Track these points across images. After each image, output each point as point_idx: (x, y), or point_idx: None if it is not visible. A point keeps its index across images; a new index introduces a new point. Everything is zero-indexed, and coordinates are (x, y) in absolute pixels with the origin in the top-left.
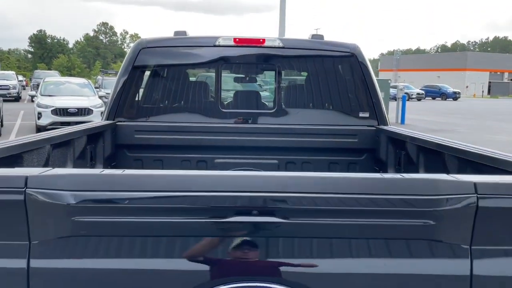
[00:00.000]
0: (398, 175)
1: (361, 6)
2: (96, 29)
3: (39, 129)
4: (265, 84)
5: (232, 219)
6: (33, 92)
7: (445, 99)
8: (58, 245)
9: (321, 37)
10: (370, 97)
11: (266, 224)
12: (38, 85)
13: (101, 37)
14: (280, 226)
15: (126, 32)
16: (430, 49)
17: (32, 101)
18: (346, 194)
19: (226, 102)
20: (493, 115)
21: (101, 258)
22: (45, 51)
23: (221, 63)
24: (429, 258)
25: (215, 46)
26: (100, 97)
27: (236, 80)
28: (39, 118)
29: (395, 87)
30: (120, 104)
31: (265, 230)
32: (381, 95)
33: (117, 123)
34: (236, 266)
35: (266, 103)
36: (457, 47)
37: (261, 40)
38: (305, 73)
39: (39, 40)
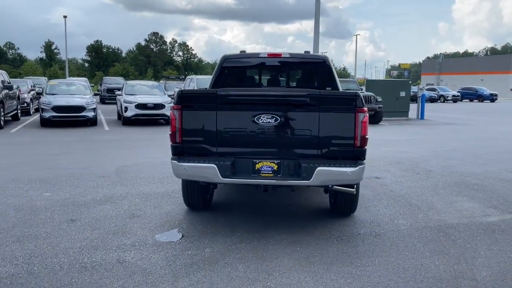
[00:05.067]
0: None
1: (409, 11)
2: (147, 39)
3: (125, 120)
4: (282, 76)
5: (268, 103)
6: (119, 92)
7: (482, 101)
8: (223, 107)
9: (309, 52)
10: (331, 82)
11: (276, 99)
12: (107, 89)
13: (151, 46)
14: (279, 102)
15: (175, 41)
16: (479, 52)
17: (104, 103)
18: (300, 92)
19: (264, 83)
20: None
21: (234, 111)
22: (101, 60)
23: (261, 65)
24: (319, 111)
25: (258, 57)
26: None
27: (269, 73)
28: (125, 111)
29: (434, 89)
30: (216, 85)
31: (275, 102)
32: (339, 82)
33: None
34: (266, 111)
35: (282, 84)
36: (508, 50)
37: (280, 54)
38: (300, 70)
39: (95, 50)
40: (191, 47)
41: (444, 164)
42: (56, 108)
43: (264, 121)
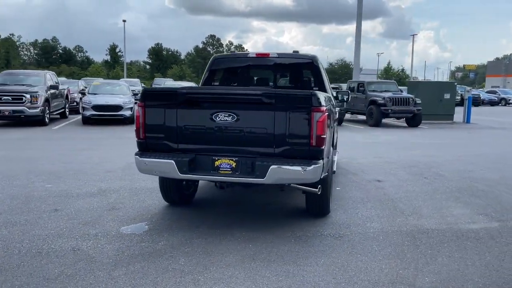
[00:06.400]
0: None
1: (478, 10)
2: (205, 41)
3: None
4: (270, 75)
5: (224, 101)
6: None
7: None
8: (183, 105)
9: (298, 51)
10: (319, 81)
11: (232, 97)
12: None
13: (209, 49)
14: (235, 101)
15: (231, 43)
16: None
17: None
18: (255, 91)
19: (254, 82)
20: None
21: (193, 109)
22: (161, 62)
23: (250, 65)
24: (274, 110)
25: (247, 57)
26: None
27: (257, 73)
28: None
29: (494, 92)
30: (206, 84)
31: (232, 100)
32: (328, 82)
33: None
34: (223, 109)
35: (270, 83)
36: None
37: (268, 54)
38: (288, 70)
39: (156, 52)
40: (246, 49)
41: (461, 169)
42: (96, 107)
43: (222, 119)
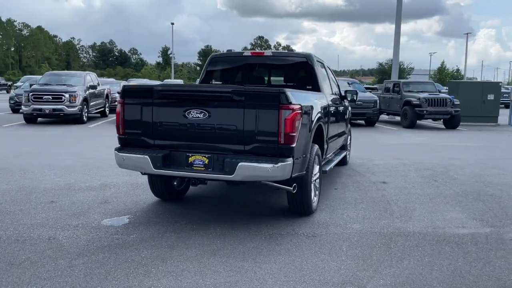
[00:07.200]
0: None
1: None
2: (253, 43)
3: None
4: (265, 74)
5: (196, 98)
6: None
7: None
8: (158, 102)
9: (293, 50)
10: (313, 80)
11: (202, 94)
12: None
13: (257, 50)
14: (206, 98)
15: (279, 44)
16: None
17: None
18: (225, 88)
19: (249, 80)
20: None
21: (167, 106)
22: None
23: (246, 64)
24: (244, 107)
25: (242, 56)
26: None
27: (253, 72)
28: None
29: None
30: (204, 82)
31: (202, 97)
32: (331, 80)
33: None
34: (194, 106)
35: (265, 81)
36: None
37: (262, 53)
38: (283, 68)
39: (206, 54)
40: (293, 50)
41: (479, 173)
42: None
43: (194, 116)
